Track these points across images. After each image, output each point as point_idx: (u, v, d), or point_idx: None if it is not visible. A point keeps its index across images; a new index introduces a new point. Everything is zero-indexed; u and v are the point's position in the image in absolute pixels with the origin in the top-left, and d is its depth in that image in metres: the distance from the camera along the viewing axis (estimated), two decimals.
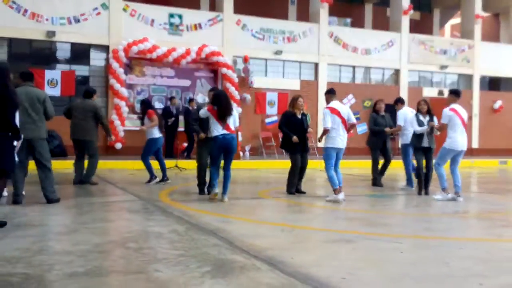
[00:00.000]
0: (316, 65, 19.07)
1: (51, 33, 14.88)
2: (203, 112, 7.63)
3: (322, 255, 4.61)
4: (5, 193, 7.28)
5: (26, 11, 14.74)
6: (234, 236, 5.18)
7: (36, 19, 14.86)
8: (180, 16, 16.72)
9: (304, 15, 19.84)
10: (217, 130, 7.41)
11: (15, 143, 5.38)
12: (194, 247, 4.72)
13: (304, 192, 8.67)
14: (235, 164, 13.61)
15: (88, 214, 6.47)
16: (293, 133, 8.43)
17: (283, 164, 14.98)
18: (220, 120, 7.38)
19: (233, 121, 7.56)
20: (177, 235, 5.23)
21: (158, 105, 15.99)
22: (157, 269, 3.99)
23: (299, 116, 8.58)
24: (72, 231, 5.39)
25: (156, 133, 9.68)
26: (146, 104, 9.91)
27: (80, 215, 6.37)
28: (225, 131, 7.40)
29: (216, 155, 7.57)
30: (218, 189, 7.66)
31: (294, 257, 4.38)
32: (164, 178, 9.83)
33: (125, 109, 15.46)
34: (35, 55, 15.28)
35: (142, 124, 9.74)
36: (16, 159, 5.57)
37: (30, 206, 6.81)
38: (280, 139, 9.15)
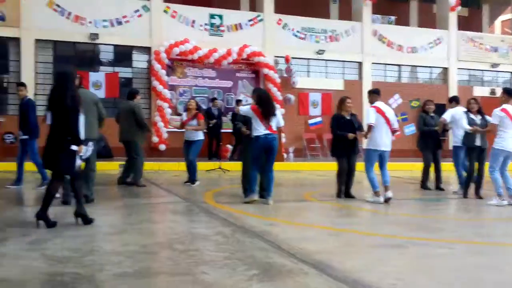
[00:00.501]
0: (360, 64, 18.79)
1: (94, 36, 15.19)
2: (244, 110, 7.59)
3: (370, 260, 4.48)
4: (57, 194, 7.44)
5: (69, 14, 15.09)
6: (280, 239, 5.11)
7: (80, 22, 15.19)
8: (220, 17, 16.78)
9: (347, 13, 19.59)
10: (259, 130, 7.36)
11: (75, 147, 5.43)
12: (240, 250, 4.68)
13: (353, 197, 8.35)
14: (278, 166, 13.53)
15: (135, 215, 6.54)
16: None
17: (328, 166, 14.79)
18: (263, 120, 7.34)
19: (276, 121, 7.52)
20: (223, 237, 5.20)
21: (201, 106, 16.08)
22: (204, 271, 3.97)
23: (348, 117, 8.38)
24: (120, 231, 5.45)
25: (202, 135, 9.84)
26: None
27: (127, 216, 6.44)
28: (267, 131, 7.34)
29: (257, 155, 7.45)
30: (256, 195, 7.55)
31: (342, 262, 4.28)
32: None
33: (168, 111, 15.62)
34: (79, 57, 15.64)
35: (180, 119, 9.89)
36: (79, 162, 5.62)
37: None
38: (330, 144, 8.90)
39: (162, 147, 15.45)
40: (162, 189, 9.32)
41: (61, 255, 4.31)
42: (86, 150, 5.73)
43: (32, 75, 14.60)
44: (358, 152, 8.57)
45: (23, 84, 9.10)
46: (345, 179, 8.32)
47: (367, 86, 17.74)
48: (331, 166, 14.77)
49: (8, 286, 3.50)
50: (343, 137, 8.17)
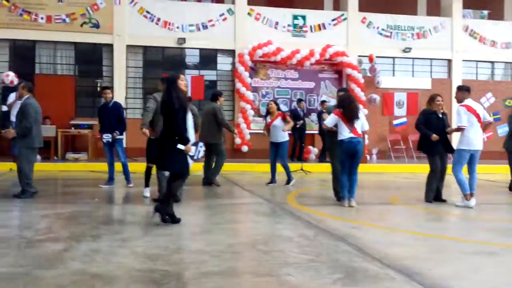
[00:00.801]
0: (449, 61, 17.97)
1: (182, 40, 15.70)
2: (329, 121, 7.48)
3: (462, 267, 4.27)
4: (147, 194, 7.81)
5: (158, 20, 15.70)
6: (365, 243, 5.00)
7: (168, 27, 15.76)
8: (303, 17, 16.74)
9: (435, 9, 18.80)
10: (343, 134, 7.28)
11: (181, 147, 5.64)
12: (324, 253, 4.64)
13: (444, 201, 7.92)
14: (361, 167, 13.24)
15: (219, 215, 6.68)
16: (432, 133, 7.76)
17: (414, 168, 14.36)
18: (347, 123, 7.26)
19: (361, 124, 7.40)
20: (306, 240, 5.18)
21: (283, 107, 16.10)
22: (288, 273, 3.97)
23: (440, 115, 7.98)
24: (205, 231, 5.58)
25: (287, 136, 10.00)
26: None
27: (212, 216, 6.59)
28: (351, 135, 7.25)
29: (343, 159, 7.38)
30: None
31: (432, 269, 4.11)
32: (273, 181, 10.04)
33: (250, 112, 15.81)
34: (166, 61, 16.22)
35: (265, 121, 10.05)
36: (191, 162, 5.84)
37: None
38: (418, 140, 8.36)
39: (245, 148, 15.66)
40: (245, 190, 9.44)
41: (151, 253, 4.48)
42: (197, 151, 5.89)
43: (123, 79, 15.37)
44: (453, 150, 7.93)
45: (108, 88, 9.65)
46: (437, 181, 7.87)
47: (456, 85, 16.82)
48: (417, 168, 14.35)
49: (101, 282, 3.69)
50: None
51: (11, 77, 12.60)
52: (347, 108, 7.29)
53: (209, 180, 9.66)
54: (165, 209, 5.67)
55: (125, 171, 9.27)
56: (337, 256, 4.52)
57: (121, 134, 9.23)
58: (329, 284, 3.70)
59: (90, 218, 6.18)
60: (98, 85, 15.79)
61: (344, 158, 7.34)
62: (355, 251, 4.68)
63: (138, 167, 11.53)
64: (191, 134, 5.79)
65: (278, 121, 9.88)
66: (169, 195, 5.76)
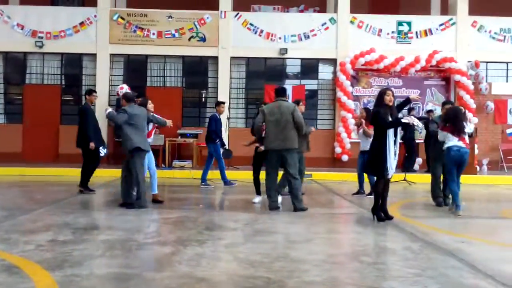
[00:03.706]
0: None
1: (284, 51, 15.86)
2: (441, 137, 7.56)
3: None
4: (256, 200, 8.06)
5: (262, 31, 16.01)
6: (475, 258, 4.72)
7: (271, 38, 16.00)
8: (409, 23, 16.20)
9: None
10: (452, 141, 7.28)
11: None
12: (431, 267, 4.44)
13: None
14: (470, 179, 12.65)
15: (319, 224, 6.64)
16: None
17: None
18: (455, 135, 7.30)
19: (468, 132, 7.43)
20: (411, 253, 4.99)
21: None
22: (393, 286, 3.85)
23: None
24: (306, 240, 5.57)
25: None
26: (368, 113, 9.80)
27: (312, 225, 6.55)
28: (460, 143, 7.25)
29: (450, 167, 7.34)
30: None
31: None
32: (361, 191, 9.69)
33: (351, 121, 15.56)
34: (268, 72, 16.46)
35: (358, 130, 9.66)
36: None
37: (268, 214, 7.31)
38: None
39: (345, 157, 15.42)
40: (345, 200, 9.30)
41: (253, 259, 4.56)
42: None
43: (227, 90, 15.84)
44: None
45: (223, 103, 10.42)
46: None
47: None
48: None
49: (207, 285, 3.82)
50: None
51: (125, 90, 13.50)
52: (455, 124, 7.31)
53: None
54: (377, 211, 6.70)
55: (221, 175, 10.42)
56: (445, 271, 4.31)
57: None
58: None
59: (195, 223, 6.43)
60: (203, 96, 16.41)
61: (451, 166, 7.31)
62: (464, 267, 4.44)
63: (239, 175, 11.86)
64: None
65: (361, 130, 9.47)
66: (376, 196, 6.73)
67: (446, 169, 7.50)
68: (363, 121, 9.36)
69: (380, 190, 6.66)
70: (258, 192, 8.32)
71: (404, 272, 4.26)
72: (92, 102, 9.62)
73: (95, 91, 9.83)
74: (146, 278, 4.00)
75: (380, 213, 6.69)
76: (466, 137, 7.34)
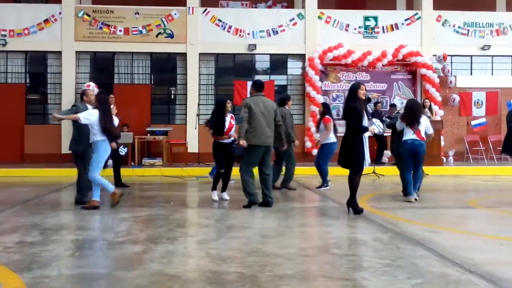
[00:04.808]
0: None
1: (253, 47, 15.86)
2: (398, 126, 8.27)
3: None
4: (215, 196, 8.01)
5: (230, 27, 15.97)
6: (443, 247, 4.82)
7: (239, 34, 15.98)
8: (375, 18, 16.40)
9: None
10: (407, 135, 7.97)
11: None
12: (400, 257, 4.52)
13: None
14: (436, 170, 12.92)
15: (291, 218, 6.68)
16: None
17: (494, 171, 13.69)
18: (411, 127, 7.95)
19: (424, 127, 8.01)
20: (381, 244, 5.06)
21: None
22: (364, 277, 3.90)
23: None
24: (278, 234, 5.59)
25: (333, 138, 9.71)
26: (326, 108, 9.95)
27: (284, 219, 6.59)
28: (414, 137, 7.90)
29: (406, 158, 8.02)
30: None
31: None
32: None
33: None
34: (238, 68, 16.45)
35: (317, 129, 9.99)
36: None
37: (240, 209, 7.30)
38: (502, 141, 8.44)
39: (315, 152, 15.53)
40: (316, 194, 9.38)
41: (226, 255, 4.56)
42: None
43: (196, 86, 15.75)
44: None
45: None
46: None
47: None
48: (498, 171, 13.67)
49: (179, 283, 3.80)
50: None
51: (91, 88, 13.26)
52: (408, 115, 8.01)
53: (282, 184, 9.73)
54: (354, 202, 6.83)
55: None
56: (414, 260, 4.39)
57: None
58: None
59: (166, 221, 6.38)
60: (172, 93, 16.28)
61: (407, 157, 7.99)
62: (433, 256, 4.53)
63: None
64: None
65: (321, 125, 9.86)
66: (352, 189, 6.79)
67: (403, 160, 8.11)
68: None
69: (357, 183, 6.83)
70: (215, 188, 8.17)
71: (374, 263, 4.32)
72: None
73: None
74: (117, 277, 3.95)
75: (357, 205, 6.80)
76: (422, 131, 7.91)
